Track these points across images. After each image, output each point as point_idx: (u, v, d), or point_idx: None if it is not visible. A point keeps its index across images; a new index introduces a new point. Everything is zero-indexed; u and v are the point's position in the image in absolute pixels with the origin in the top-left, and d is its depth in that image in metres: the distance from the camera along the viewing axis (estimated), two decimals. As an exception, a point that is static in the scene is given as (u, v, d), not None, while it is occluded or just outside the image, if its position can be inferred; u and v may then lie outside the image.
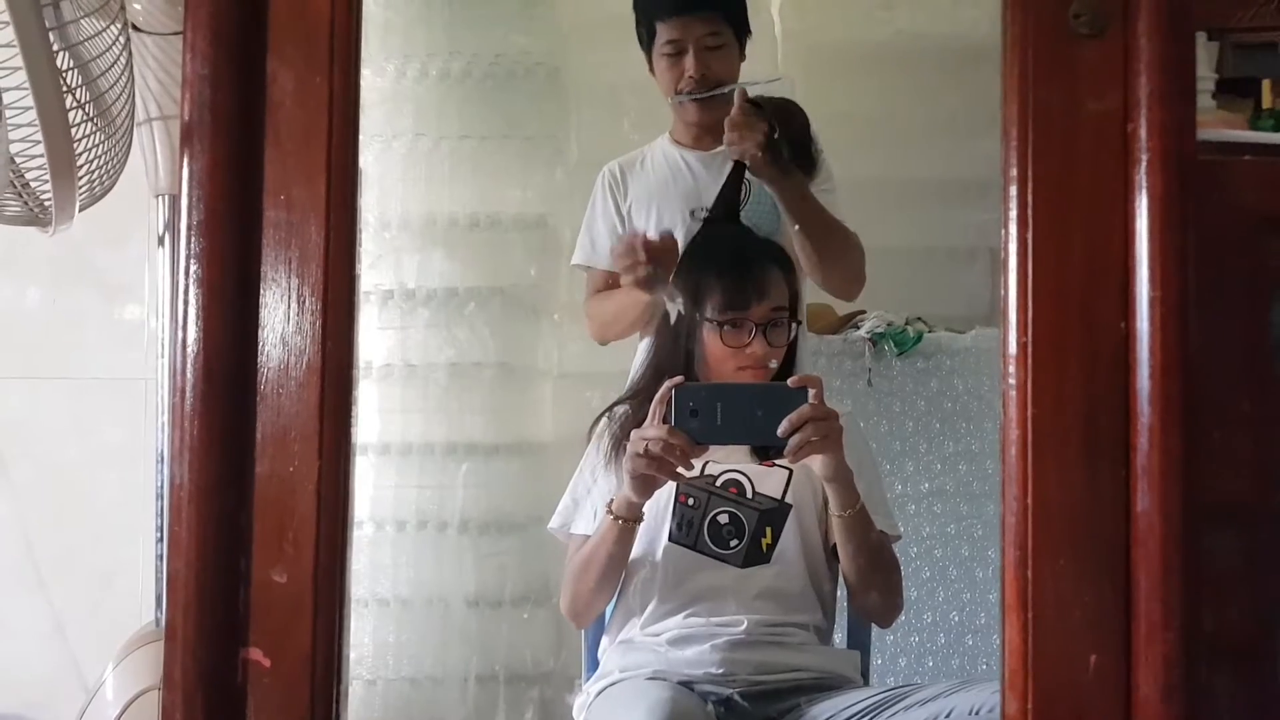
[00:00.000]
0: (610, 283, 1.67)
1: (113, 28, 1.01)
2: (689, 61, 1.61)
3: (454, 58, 2.14)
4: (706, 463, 1.36)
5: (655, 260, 1.46)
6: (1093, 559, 0.76)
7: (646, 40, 1.66)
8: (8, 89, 0.92)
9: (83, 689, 1.85)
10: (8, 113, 0.95)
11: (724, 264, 1.38)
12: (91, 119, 1.01)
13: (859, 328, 2.05)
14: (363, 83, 0.85)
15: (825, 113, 1.99)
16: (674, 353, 1.40)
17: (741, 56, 1.67)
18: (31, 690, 2.01)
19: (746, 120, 1.48)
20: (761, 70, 1.69)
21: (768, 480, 1.37)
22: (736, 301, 1.35)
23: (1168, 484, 0.74)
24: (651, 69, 1.68)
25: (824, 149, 1.71)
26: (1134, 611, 0.75)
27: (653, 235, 1.51)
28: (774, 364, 1.36)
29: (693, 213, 1.61)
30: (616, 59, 2.20)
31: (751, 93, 1.56)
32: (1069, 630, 0.75)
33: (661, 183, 1.70)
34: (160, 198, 1.56)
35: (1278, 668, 0.79)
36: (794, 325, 1.39)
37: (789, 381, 1.22)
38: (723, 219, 1.54)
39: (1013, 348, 0.78)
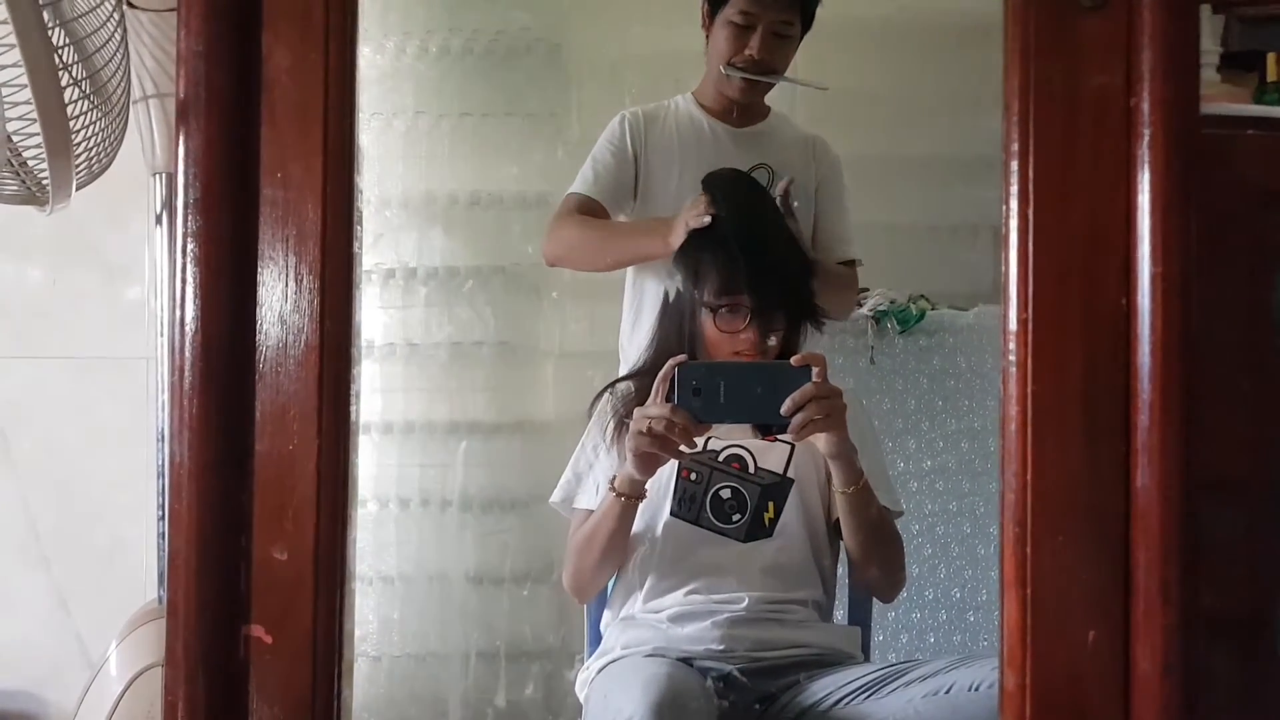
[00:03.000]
0: (590, 210, 1.64)
1: (107, 3, 1.00)
2: (755, 40, 1.59)
3: (454, 34, 2.12)
4: (709, 438, 1.36)
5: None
6: (1092, 535, 0.76)
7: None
8: (3, 66, 0.92)
9: (86, 665, 1.86)
10: (4, 90, 0.94)
11: (722, 248, 1.37)
12: (87, 96, 1.00)
13: (862, 305, 2.05)
14: (362, 60, 0.84)
15: (828, 89, 1.99)
16: (677, 332, 1.40)
17: (794, 50, 1.65)
18: (36, 667, 2.03)
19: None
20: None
21: (770, 455, 1.38)
22: (731, 286, 1.34)
23: (1167, 460, 0.74)
24: (706, 26, 1.65)
25: (840, 157, 1.71)
26: (1133, 588, 0.75)
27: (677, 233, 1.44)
28: (773, 341, 1.35)
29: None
30: (618, 35, 2.19)
31: (792, 90, 1.56)
32: (1068, 606, 0.75)
33: (684, 143, 1.68)
34: (158, 176, 1.55)
35: (1276, 643, 0.79)
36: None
37: (792, 360, 1.22)
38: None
39: (1013, 324, 0.78)
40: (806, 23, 1.65)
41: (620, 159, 1.67)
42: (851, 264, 1.70)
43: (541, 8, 2.17)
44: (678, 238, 1.43)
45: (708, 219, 1.39)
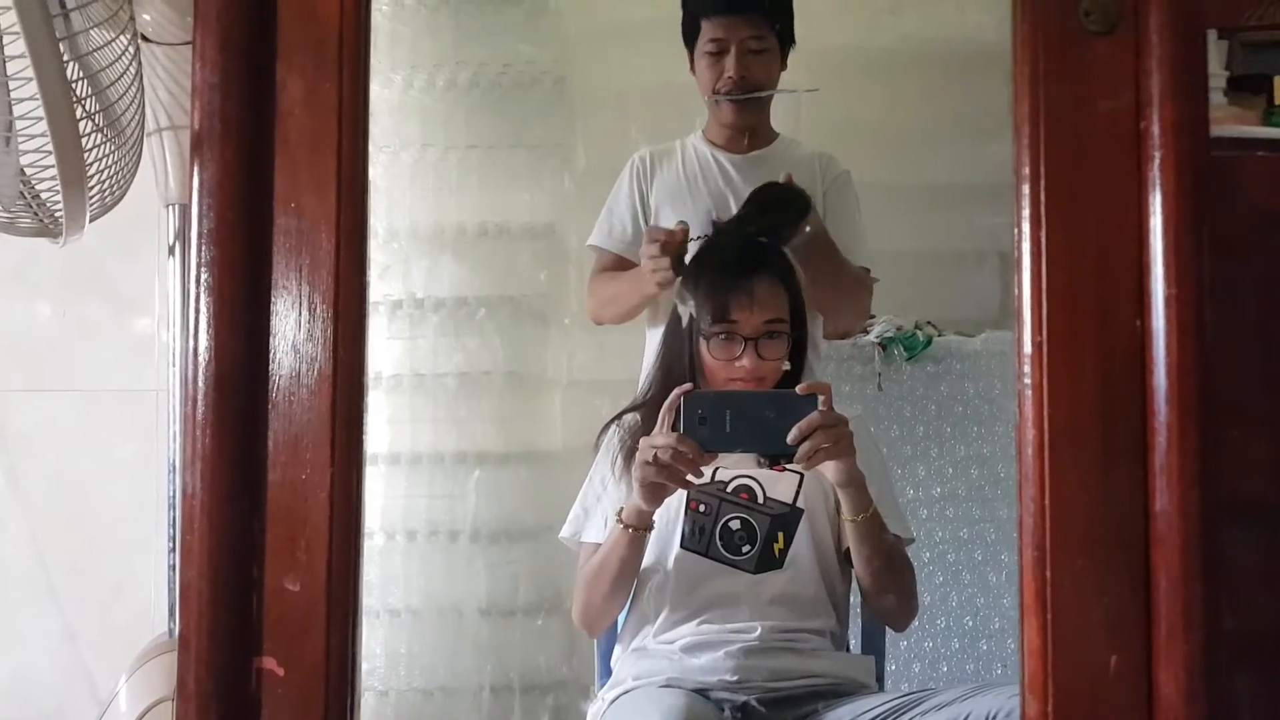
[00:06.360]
0: (618, 265, 1.68)
1: (122, 38, 1.01)
2: (729, 62, 1.62)
3: (461, 68, 2.14)
4: (717, 468, 1.35)
5: (674, 259, 1.44)
6: (1112, 559, 0.75)
7: (689, 37, 1.66)
8: (20, 100, 0.93)
9: (93, 700, 1.85)
10: (19, 124, 0.95)
11: (716, 274, 1.37)
12: (101, 129, 1.01)
13: (868, 332, 2.05)
14: (370, 94, 0.85)
15: (833, 118, 2.00)
16: (680, 359, 1.39)
17: (783, 65, 1.67)
18: (43, 701, 2.01)
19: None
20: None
21: (779, 485, 1.37)
22: (724, 314, 1.33)
23: (1186, 482, 0.73)
24: (692, 66, 1.68)
25: (849, 170, 1.72)
26: (1154, 612, 0.74)
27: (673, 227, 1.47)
28: (777, 373, 1.34)
29: (714, 223, 1.59)
30: (622, 67, 2.21)
31: (786, 100, 1.59)
32: (1089, 631, 0.75)
33: (690, 179, 1.70)
34: (170, 207, 1.56)
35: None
36: (791, 338, 1.36)
37: (797, 389, 1.22)
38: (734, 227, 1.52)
39: (1028, 347, 0.78)
40: (785, 36, 1.66)
41: (630, 206, 1.70)
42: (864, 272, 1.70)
43: (547, 41, 2.19)
44: (651, 276, 1.46)
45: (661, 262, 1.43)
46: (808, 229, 1.50)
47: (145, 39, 1.28)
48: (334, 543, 0.81)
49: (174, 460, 1.63)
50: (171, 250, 1.61)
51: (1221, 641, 0.73)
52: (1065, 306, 0.77)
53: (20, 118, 0.93)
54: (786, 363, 1.36)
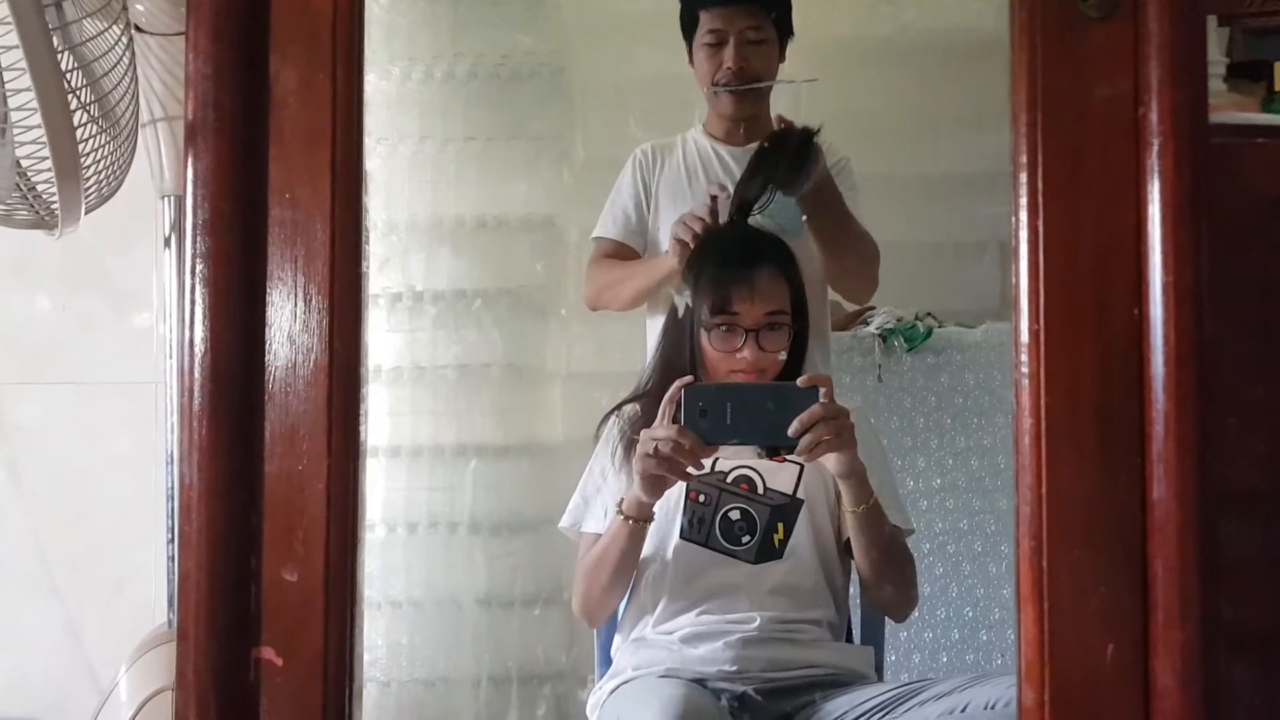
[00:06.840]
0: (619, 253, 1.69)
1: (115, 28, 1.01)
2: (728, 53, 1.62)
3: (459, 59, 2.14)
4: (717, 459, 1.35)
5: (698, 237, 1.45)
6: (1108, 548, 0.75)
7: (688, 29, 1.67)
8: (15, 91, 0.92)
9: (96, 692, 1.85)
10: (15, 115, 0.95)
11: (718, 265, 1.36)
12: (95, 120, 1.01)
13: (868, 323, 2.05)
14: (368, 86, 0.84)
15: (832, 109, 1.98)
16: (680, 350, 1.39)
17: (781, 56, 1.67)
18: (45, 694, 2.02)
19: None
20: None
21: (779, 475, 1.37)
22: (725, 305, 1.33)
23: (1184, 471, 0.73)
24: (691, 59, 1.68)
25: (849, 156, 1.71)
26: (1151, 601, 0.74)
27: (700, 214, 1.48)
28: (777, 365, 1.34)
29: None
30: (622, 59, 2.20)
31: (785, 91, 1.60)
32: (1085, 620, 0.75)
33: (690, 172, 1.70)
34: (166, 199, 1.56)
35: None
36: (792, 330, 1.36)
37: (798, 381, 1.22)
38: (737, 216, 1.52)
39: (1025, 336, 0.77)
40: (783, 27, 1.66)
41: (635, 198, 1.71)
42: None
43: (545, 32, 2.19)
44: (681, 229, 1.47)
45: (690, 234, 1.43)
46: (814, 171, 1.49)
47: (139, 29, 1.27)
48: (331, 533, 0.81)
49: (172, 451, 1.63)
50: (167, 242, 1.61)
51: (1218, 631, 0.73)
52: (1063, 295, 0.77)
53: (16, 109, 0.93)
54: (782, 353, 1.36)
